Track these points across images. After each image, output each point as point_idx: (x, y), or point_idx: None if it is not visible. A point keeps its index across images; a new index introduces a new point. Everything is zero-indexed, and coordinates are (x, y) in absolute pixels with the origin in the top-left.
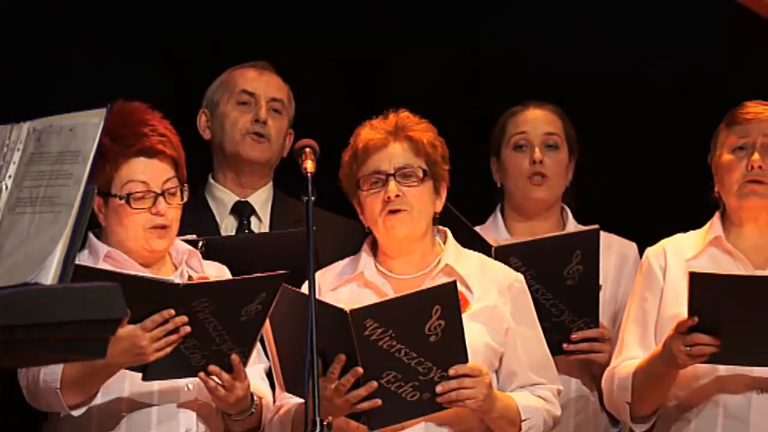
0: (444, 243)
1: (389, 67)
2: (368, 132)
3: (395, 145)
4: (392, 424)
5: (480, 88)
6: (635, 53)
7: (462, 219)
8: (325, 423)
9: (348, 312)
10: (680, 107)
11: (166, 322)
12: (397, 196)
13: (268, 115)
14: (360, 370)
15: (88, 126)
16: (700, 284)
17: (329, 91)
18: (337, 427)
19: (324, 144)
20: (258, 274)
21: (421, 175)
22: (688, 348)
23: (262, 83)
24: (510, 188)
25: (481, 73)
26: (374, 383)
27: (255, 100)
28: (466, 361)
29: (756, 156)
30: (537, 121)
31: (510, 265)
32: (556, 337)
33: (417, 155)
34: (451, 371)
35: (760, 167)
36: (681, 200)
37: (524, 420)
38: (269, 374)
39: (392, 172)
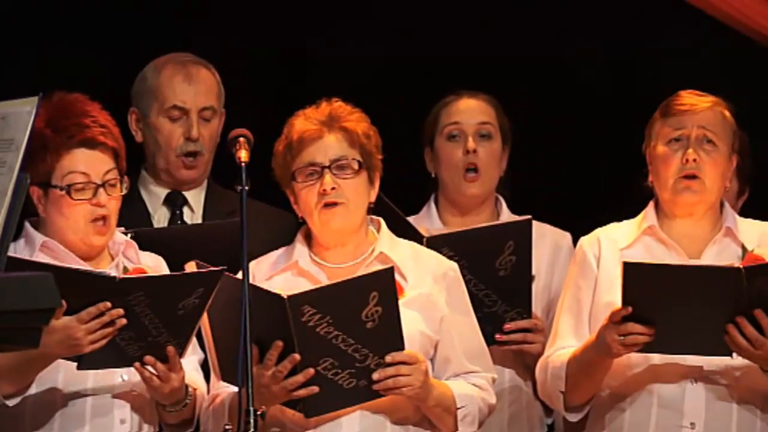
0: (378, 232)
1: (321, 54)
2: (302, 123)
3: (330, 137)
4: (328, 412)
5: (413, 76)
6: (569, 43)
7: (395, 209)
8: (258, 412)
9: (286, 298)
10: (613, 96)
11: (102, 314)
12: (333, 188)
13: (199, 127)
14: (297, 356)
15: (21, 114)
16: (633, 273)
17: (261, 79)
18: (272, 416)
19: (256, 133)
20: (196, 270)
21: (356, 167)
22: (621, 337)
23: (191, 94)
24: (444, 179)
25: (414, 61)
26: (311, 370)
27: (186, 113)
28: (402, 348)
29: (691, 149)
30: (470, 110)
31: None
32: (488, 327)
33: (352, 146)
34: (388, 358)
35: (694, 160)
36: (615, 189)
37: (460, 408)
38: (204, 366)
39: (327, 164)
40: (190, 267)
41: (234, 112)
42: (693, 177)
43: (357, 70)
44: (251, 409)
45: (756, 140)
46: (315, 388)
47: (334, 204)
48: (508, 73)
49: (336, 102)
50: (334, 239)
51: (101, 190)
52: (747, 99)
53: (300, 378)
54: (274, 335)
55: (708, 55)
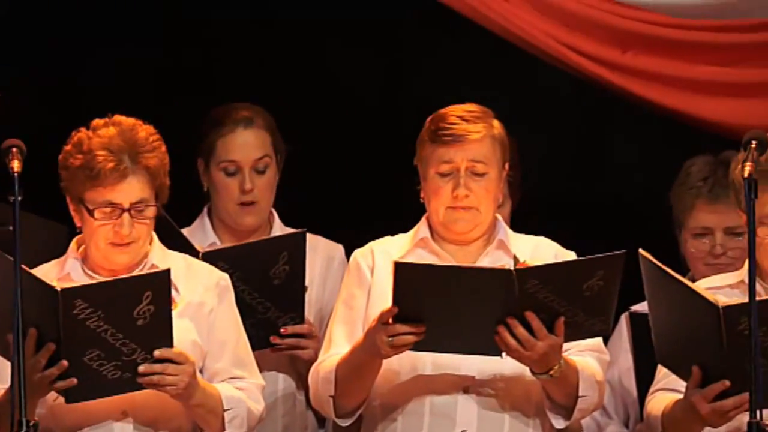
0: (150, 244)
1: (93, 62)
2: (104, 155)
3: (132, 180)
4: (90, 399)
5: (190, 82)
6: (338, 53)
7: (172, 224)
8: (31, 423)
9: (59, 290)
10: (384, 107)
11: None
12: (129, 232)
13: None
14: (52, 346)
15: None
16: (403, 274)
17: (33, 84)
18: (44, 427)
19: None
20: None
21: (152, 214)
22: (390, 338)
23: None
24: (219, 206)
25: (190, 68)
26: (65, 363)
27: None
28: (171, 346)
29: (461, 185)
30: (247, 146)
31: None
32: (262, 332)
33: (152, 188)
34: (157, 353)
35: (466, 196)
36: (389, 202)
37: (227, 410)
38: None
39: (127, 207)
40: None
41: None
42: (465, 208)
43: (130, 73)
44: (24, 420)
45: (523, 145)
46: (74, 380)
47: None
48: (278, 83)
49: (139, 129)
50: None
51: None
52: (514, 104)
53: (54, 371)
54: (45, 325)
55: (477, 61)
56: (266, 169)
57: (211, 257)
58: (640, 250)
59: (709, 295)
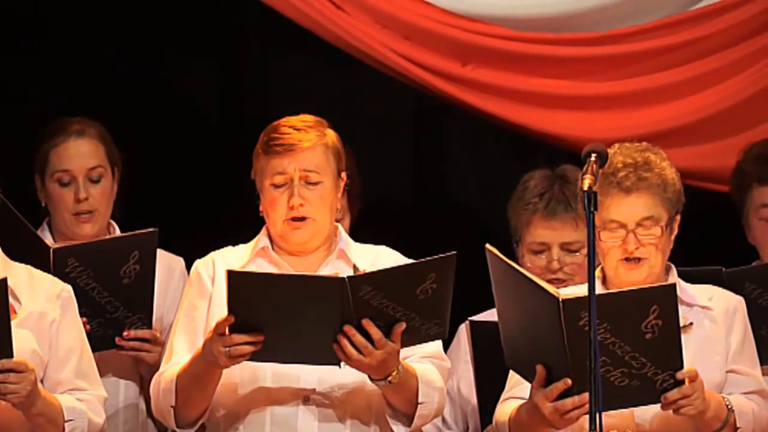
0: None
1: None
2: None
3: None
4: None
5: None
6: (179, 65)
7: (22, 221)
8: None
9: None
10: (224, 119)
11: None
12: None
13: None
14: None
15: None
16: (236, 283)
17: None
18: None
19: None
20: None
21: None
22: (227, 349)
23: None
24: (56, 218)
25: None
26: None
27: None
28: (11, 356)
29: (296, 195)
30: (80, 156)
31: (67, 267)
32: (110, 332)
33: None
34: None
35: (301, 205)
36: (229, 213)
37: (68, 421)
38: None
39: None
40: None
41: None
42: (302, 219)
43: None
44: None
45: (364, 155)
46: None
47: None
48: (117, 94)
49: None
50: None
51: None
52: (354, 115)
53: None
54: None
55: (318, 73)
56: (100, 179)
57: (62, 254)
58: (487, 245)
59: (551, 288)
